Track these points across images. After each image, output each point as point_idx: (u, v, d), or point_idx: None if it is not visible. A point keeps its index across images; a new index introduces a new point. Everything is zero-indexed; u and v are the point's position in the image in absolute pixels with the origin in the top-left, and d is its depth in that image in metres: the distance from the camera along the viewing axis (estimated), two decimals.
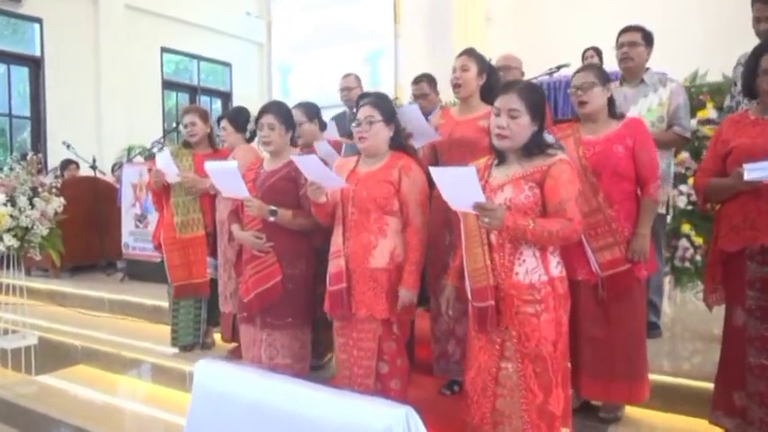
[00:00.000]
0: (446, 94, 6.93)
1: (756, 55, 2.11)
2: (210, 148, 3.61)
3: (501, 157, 2.03)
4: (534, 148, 1.97)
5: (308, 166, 2.33)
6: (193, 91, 10.22)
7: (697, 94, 4.03)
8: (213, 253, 3.39)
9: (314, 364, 3.05)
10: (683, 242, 4.11)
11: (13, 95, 7.91)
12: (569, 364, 2.03)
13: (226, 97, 10.70)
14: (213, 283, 3.49)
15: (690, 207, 4.06)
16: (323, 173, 2.30)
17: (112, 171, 7.11)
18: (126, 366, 3.80)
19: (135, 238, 5.49)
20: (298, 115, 3.00)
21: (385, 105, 2.45)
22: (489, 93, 2.68)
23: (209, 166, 2.69)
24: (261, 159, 2.86)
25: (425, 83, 3.85)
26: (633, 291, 2.35)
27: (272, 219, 2.59)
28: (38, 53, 7.86)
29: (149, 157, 5.80)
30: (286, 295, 2.64)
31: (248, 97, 10.41)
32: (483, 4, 8.48)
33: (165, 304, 4.43)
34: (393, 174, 2.35)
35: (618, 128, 2.37)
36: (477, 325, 1.98)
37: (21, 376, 3.82)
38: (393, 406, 1.72)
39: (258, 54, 11.17)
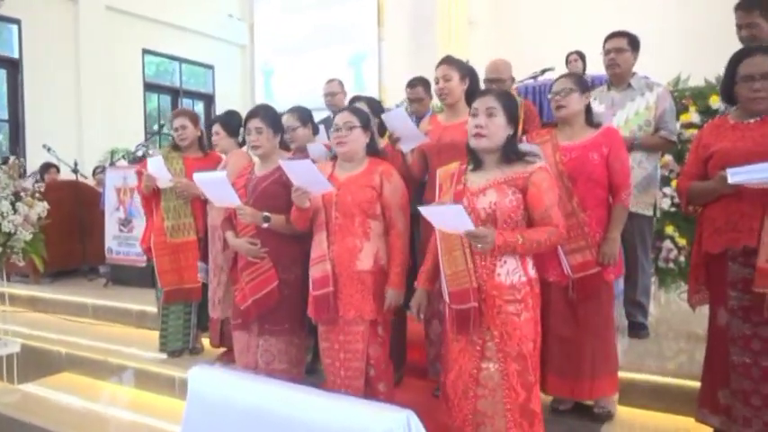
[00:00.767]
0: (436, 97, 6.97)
1: (734, 62, 2.18)
2: (201, 151, 3.58)
3: (477, 162, 2.08)
4: (512, 153, 2.03)
5: (296, 171, 2.34)
6: (175, 93, 10.12)
7: (680, 99, 4.11)
8: (204, 257, 3.35)
9: (312, 367, 3.07)
10: (667, 243, 4.19)
11: None
12: None
13: (208, 99, 10.62)
14: (204, 287, 3.45)
15: (673, 209, 4.14)
16: (313, 177, 2.31)
17: (93, 174, 7.01)
18: (113, 373, 3.75)
19: (119, 242, 5.41)
20: (291, 120, 3.00)
21: (362, 112, 2.51)
22: (472, 96, 2.72)
23: (199, 177, 2.68)
24: (252, 164, 2.85)
25: (421, 87, 3.86)
26: (601, 293, 2.43)
27: (266, 225, 2.58)
28: (16, 55, 7.71)
29: (134, 160, 5.72)
30: (283, 300, 2.64)
31: (231, 100, 10.36)
32: (465, 8, 8.54)
33: (152, 309, 4.40)
34: (375, 179, 2.41)
35: (594, 136, 2.45)
36: (456, 327, 2.01)
37: (3, 385, 3.75)
38: (394, 410, 1.72)
39: (241, 56, 11.11)
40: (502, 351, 1.95)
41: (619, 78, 3.04)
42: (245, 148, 3.40)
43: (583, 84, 2.48)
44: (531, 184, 1.97)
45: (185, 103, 10.20)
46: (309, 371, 3.05)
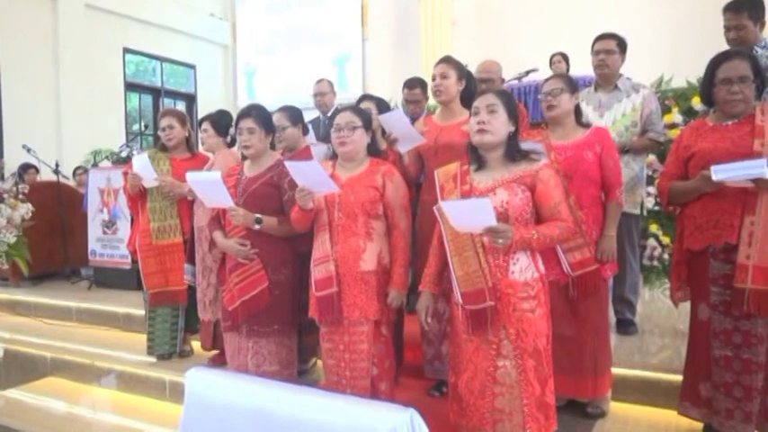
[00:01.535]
0: (429, 97, 7.00)
1: (713, 66, 2.24)
2: (188, 152, 3.55)
3: (480, 162, 2.10)
4: (515, 152, 2.06)
5: (301, 172, 2.32)
6: (156, 93, 10.00)
7: (663, 100, 4.19)
8: (191, 259, 3.32)
9: (299, 369, 3.04)
10: (651, 241, 4.28)
11: None
12: None
13: (190, 99, 10.51)
14: (191, 290, 3.42)
15: (657, 207, 4.22)
16: (318, 178, 2.29)
17: (74, 175, 6.90)
18: (100, 377, 3.69)
19: (102, 244, 5.33)
20: (281, 119, 2.99)
21: (364, 111, 2.52)
22: (469, 99, 2.74)
23: (191, 177, 2.66)
24: (241, 164, 2.83)
25: (420, 89, 3.86)
26: (600, 290, 2.48)
27: (257, 227, 2.57)
28: None
29: (118, 161, 5.63)
30: (272, 302, 2.62)
31: (213, 99, 10.27)
32: (449, 9, 8.59)
33: (138, 312, 4.34)
34: (377, 179, 2.41)
35: (586, 135, 2.50)
36: (471, 327, 2.01)
37: None
38: (397, 409, 1.73)
39: (223, 56, 11.02)
40: (518, 348, 1.97)
41: (606, 79, 3.09)
42: (234, 148, 3.40)
43: (572, 84, 2.53)
44: (539, 182, 2.00)
45: (167, 102, 10.08)
46: (301, 372, 3.04)
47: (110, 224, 5.26)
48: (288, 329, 2.72)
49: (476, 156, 2.10)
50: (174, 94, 10.34)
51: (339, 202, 2.39)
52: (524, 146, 2.12)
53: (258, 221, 2.57)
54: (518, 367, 1.96)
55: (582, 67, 4.00)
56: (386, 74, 8.82)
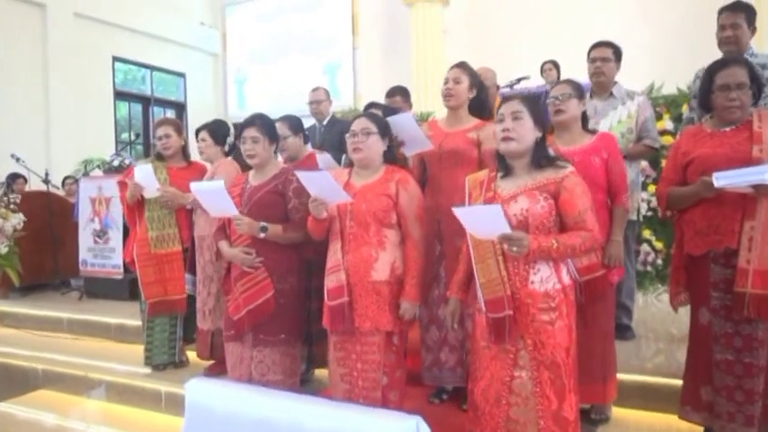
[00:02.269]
0: (421, 104, 7.03)
1: (711, 72, 2.27)
2: (185, 161, 3.53)
3: (507, 169, 2.07)
4: (542, 159, 2.02)
5: (315, 182, 2.31)
6: (146, 101, 9.95)
7: (654, 107, 4.23)
8: (191, 269, 3.30)
9: (302, 378, 3.03)
10: (645, 247, 4.30)
11: None
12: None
13: (180, 108, 10.47)
14: (190, 299, 3.40)
15: (650, 213, 4.26)
16: (330, 188, 2.28)
17: (63, 185, 6.83)
18: (93, 389, 3.64)
19: (94, 254, 5.26)
20: (282, 129, 2.98)
21: (380, 118, 2.49)
22: (478, 107, 2.75)
23: (196, 187, 2.65)
24: (246, 174, 2.82)
25: (399, 96, 3.90)
26: (607, 294, 2.47)
27: (262, 235, 2.55)
28: None
29: (110, 170, 5.58)
30: (278, 311, 2.60)
31: (203, 108, 10.25)
32: (439, 17, 8.66)
33: (131, 323, 4.30)
34: (390, 187, 2.37)
35: (593, 141, 2.50)
36: (492, 336, 1.98)
37: None
38: (403, 417, 1.72)
39: (213, 64, 11.01)
40: (535, 360, 1.93)
41: (602, 87, 3.12)
42: (230, 157, 3.39)
43: (580, 89, 2.53)
44: (563, 189, 1.96)
45: (156, 111, 10.03)
46: (302, 381, 3.02)
47: (101, 234, 5.21)
48: (293, 339, 2.70)
49: (503, 163, 2.07)
50: (164, 103, 10.31)
51: (351, 210, 2.36)
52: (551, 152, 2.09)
53: (263, 230, 2.55)
54: (534, 379, 1.93)
55: (572, 74, 4.03)
56: (377, 82, 8.83)
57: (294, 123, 3.04)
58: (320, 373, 3.21)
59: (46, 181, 5.81)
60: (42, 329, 4.72)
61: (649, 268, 4.32)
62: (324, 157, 2.97)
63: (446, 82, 2.71)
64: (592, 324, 2.42)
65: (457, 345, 2.63)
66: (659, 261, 4.29)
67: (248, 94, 10.81)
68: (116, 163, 5.56)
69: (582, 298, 2.38)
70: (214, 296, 3.17)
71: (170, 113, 10.26)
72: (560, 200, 1.96)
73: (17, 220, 3.66)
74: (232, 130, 3.39)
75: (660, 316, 3.93)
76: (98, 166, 6.33)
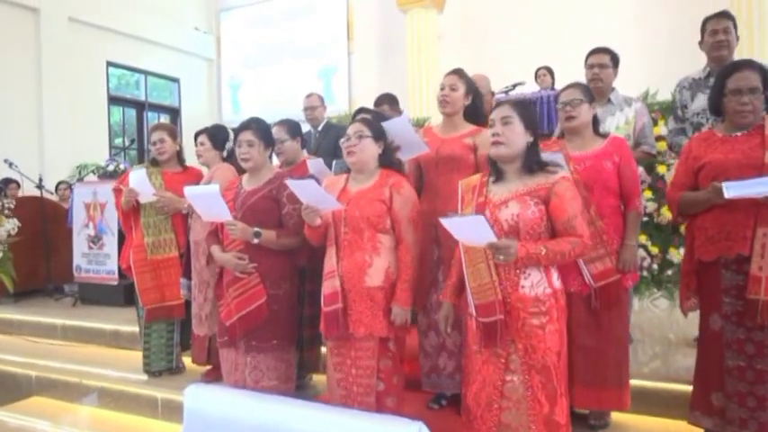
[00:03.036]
0: (416, 110, 7.03)
1: (722, 76, 2.27)
2: (180, 165, 3.52)
3: (499, 174, 2.08)
4: (534, 164, 2.03)
5: (304, 190, 2.31)
6: (140, 106, 9.92)
7: (649, 113, 4.26)
8: (187, 274, 3.28)
9: (296, 383, 3.01)
10: (641, 252, 4.31)
11: None
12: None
13: (174, 113, 10.44)
14: (186, 304, 3.37)
15: (645, 218, 4.27)
16: (320, 196, 2.28)
17: (56, 190, 6.79)
18: (88, 395, 3.60)
19: (88, 260, 5.22)
20: (280, 132, 2.98)
21: (375, 123, 2.49)
22: (473, 114, 2.76)
23: (189, 191, 2.63)
24: (239, 178, 2.81)
25: (386, 105, 3.90)
26: (622, 299, 2.45)
27: (256, 241, 2.54)
28: None
29: (105, 175, 5.55)
30: (270, 317, 2.59)
31: (197, 113, 10.24)
32: (434, 23, 8.69)
33: (126, 329, 4.28)
34: (384, 192, 2.37)
35: (604, 145, 2.49)
36: (483, 340, 1.99)
37: None
38: (405, 422, 1.72)
39: (207, 69, 11.00)
40: (526, 364, 1.94)
41: (600, 93, 3.13)
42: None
43: (589, 93, 2.52)
44: (553, 195, 1.97)
45: (150, 116, 10.00)
46: (298, 386, 3.00)
47: (96, 239, 5.17)
48: (286, 344, 2.68)
49: (495, 167, 2.08)
50: (158, 108, 10.28)
51: (345, 216, 2.36)
52: (544, 157, 2.10)
53: (257, 235, 2.54)
54: (525, 383, 1.94)
55: (569, 81, 4.05)
56: (372, 87, 8.82)
57: (292, 127, 3.04)
58: (318, 378, 3.20)
59: (40, 186, 5.76)
60: (36, 335, 4.69)
61: (645, 273, 4.33)
62: (314, 163, 2.97)
63: (442, 88, 2.71)
64: (607, 330, 2.40)
65: (455, 350, 2.62)
66: (654, 266, 4.30)
67: (243, 99, 10.80)
68: (111, 168, 5.53)
69: (597, 303, 2.38)
70: (210, 301, 3.14)
71: (164, 118, 10.23)
72: (551, 205, 1.97)
73: (11, 225, 3.63)
74: (231, 136, 3.38)
75: (656, 321, 3.95)
76: (93, 171, 6.30)
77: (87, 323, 4.57)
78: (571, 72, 3.72)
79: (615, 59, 3.10)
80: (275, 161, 2.99)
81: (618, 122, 3.05)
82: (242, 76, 10.79)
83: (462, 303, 2.16)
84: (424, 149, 2.65)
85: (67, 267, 5.41)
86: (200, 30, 10.74)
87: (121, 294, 5.00)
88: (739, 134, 2.23)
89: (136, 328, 3.88)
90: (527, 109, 2.08)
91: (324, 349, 2.72)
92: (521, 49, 7.49)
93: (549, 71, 6.22)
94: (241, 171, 2.91)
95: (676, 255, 4.13)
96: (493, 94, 3.81)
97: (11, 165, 5.78)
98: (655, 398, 2.73)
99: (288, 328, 2.68)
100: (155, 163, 3.49)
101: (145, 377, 3.48)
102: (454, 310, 2.21)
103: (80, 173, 6.77)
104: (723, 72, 2.27)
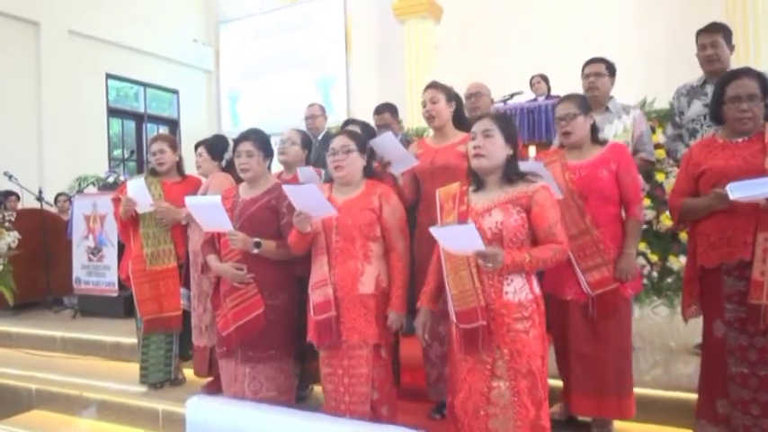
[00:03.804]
0: (414, 120, 7.07)
1: (722, 84, 2.29)
2: (179, 176, 3.53)
3: (479, 183, 2.12)
4: (513, 174, 2.08)
5: (301, 196, 2.33)
6: (139, 118, 9.95)
7: (647, 120, 4.28)
8: (187, 284, 3.28)
9: (297, 395, 2.99)
10: (640, 260, 4.32)
11: None
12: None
13: (173, 124, 10.48)
14: (185, 315, 3.37)
15: (645, 226, 4.28)
16: (317, 202, 2.30)
17: (55, 202, 6.79)
18: (88, 408, 3.59)
19: (88, 272, 5.22)
20: (294, 135, 3.02)
21: (359, 135, 2.53)
22: (459, 120, 2.79)
23: (190, 201, 2.64)
24: (236, 187, 2.82)
25: (388, 113, 3.93)
26: (620, 309, 2.44)
27: (256, 251, 2.55)
28: None
29: (104, 186, 5.56)
30: (268, 327, 2.58)
31: (196, 124, 10.27)
32: (431, 33, 8.76)
33: (127, 340, 4.26)
34: (373, 201, 2.41)
35: (602, 153, 2.49)
36: (465, 347, 2.01)
37: None
38: None
39: (206, 81, 11.05)
40: (512, 369, 1.96)
41: (597, 102, 3.16)
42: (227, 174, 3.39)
43: (584, 104, 2.52)
44: (534, 203, 2.01)
45: (149, 127, 10.03)
46: (299, 398, 3.00)
47: (95, 251, 5.17)
48: (284, 355, 2.68)
49: (475, 177, 2.12)
50: (157, 120, 10.32)
51: (336, 225, 2.39)
52: (524, 167, 2.14)
53: (257, 245, 2.54)
54: (512, 388, 1.96)
55: (564, 89, 4.08)
56: (370, 98, 8.85)
57: (305, 139, 3.10)
58: (319, 389, 3.19)
59: (39, 198, 5.77)
60: (35, 348, 4.66)
61: (645, 281, 4.34)
62: (305, 171, 2.99)
63: (424, 105, 2.75)
64: (604, 339, 2.40)
65: None
66: (654, 273, 4.31)
67: (241, 110, 10.84)
68: (110, 180, 5.54)
69: (594, 312, 2.38)
70: (210, 312, 3.13)
71: (163, 130, 10.27)
72: (532, 213, 2.02)
73: (12, 238, 3.63)
74: (231, 146, 3.40)
75: (657, 329, 3.94)
76: (92, 183, 6.31)
77: (87, 335, 4.55)
78: (569, 81, 3.75)
79: (611, 68, 3.13)
80: (275, 170, 3.01)
81: (616, 130, 3.08)
82: (241, 87, 10.84)
83: (438, 310, 2.20)
84: (413, 162, 2.68)
85: (67, 279, 5.41)
86: (199, 42, 10.80)
87: (121, 306, 4.99)
88: (740, 140, 2.24)
89: (136, 340, 3.87)
90: (507, 122, 2.13)
91: None
92: (518, 59, 7.53)
93: (544, 78, 6.25)
94: (239, 181, 2.92)
95: (676, 262, 4.14)
96: (492, 101, 3.83)
97: (10, 177, 5.79)
98: (657, 406, 2.72)
99: (286, 338, 2.67)
100: (154, 173, 3.50)
101: (145, 389, 3.47)
102: (431, 317, 2.24)
103: (80, 185, 6.78)
104: (722, 80, 2.30)
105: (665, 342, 3.57)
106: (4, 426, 3.59)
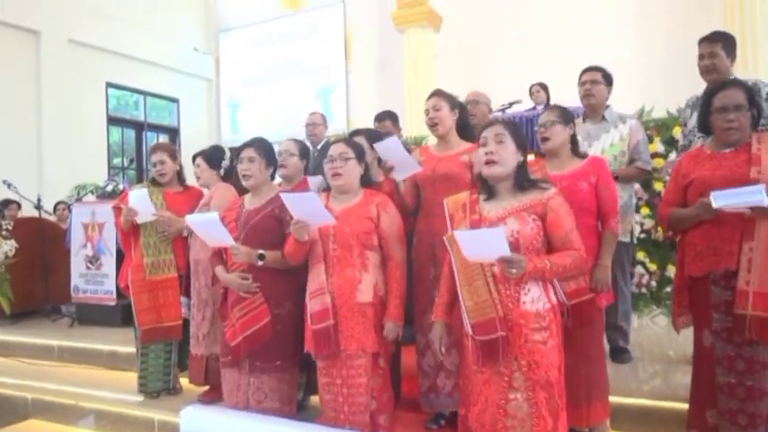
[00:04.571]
0: (413, 128, 7.10)
1: (709, 95, 2.31)
2: (180, 185, 3.54)
3: (490, 192, 2.09)
4: (525, 181, 2.05)
5: (299, 204, 2.32)
6: (139, 126, 9.97)
7: (644, 130, 4.29)
8: (187, 292, 3.27)
9: (299, 404, 2.99)
10: (639, 269, 4.32)
11: None
12: None
13: (173, 133, 10.50)
14: (185, 323, 3.36)
15: (644, 235, 4.29)
16: (316, 210, 2.29)
17: (54, 210, 6.79)
18: (84, 418, 3.57)
19: (86, 280, 5.21)
20: (291, 146, 3.02)
21: (356, 143, 2.53)
22: (462, 129, 2.79)
23: (191, 219, 2.66)
24: (241, 198, 2.82)
25: (388, 120, 3.94)
26: (594, 319, 2.47)
27: (260, 263, 2.54)
28: None
29: (103, 195, 5.56)
30: (274, 337, 2.58)
31: (196, 133, 10.29)
32: (431, 42, 8.80)
33: (124, 349, 4.25)
34: (371, 210, 2.41)
35: (582, 165, 2.52)
36: (482, 359, 1.97)
37: None
38: None
39: (206, 89, 11.08)
40: (530, 380, 1.93)
41: (593, 110, 3.17)
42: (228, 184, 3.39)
43: (566, 115, 2.55)
44: (549, 210, 1.99)
45: (149, 136, 10.05)
46: (299, 407, 2.98)
47: (94, 259, 5.16)
48: (290, 365, 2.67)
49: (485, 185, 2.09)
50: (157, 128, 10.34)
51: (334, 233, 2.38)
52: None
53: (261, 258, 2.53)
54: (530, 400, 1.92)
55: (564, 98, 4.10)
56: (369, 106, 8.88)
57: (303, 148, 3.10)
58: (315, 399, 3.17)
59: (38, 207, 5.77)
60: (32, 357, 4.64)
61: (644, 290, 4.33)
62: (315, 180, 2.99)
63: (427, 113, 2.75)
64: (578, 348, 2.40)
65: (454, 370, 2.60)
66: (653, 283, 4.30)
67: (241, 118, 10.86)
68: (109, 188, 5.54)
69: (569, 322, 2.37)
70: (209, 320, 3.14)
71: (163, 138, 10.28)
72: (547, 220, 1.99)
73: (9, 246, 3.62)
74: (228, 154, 3.41)
75: (656, 338, 3.93)
76: (91, 192, 6.31)
77: (84, 344, 4.54)
78: (568, 89, 3.76)
79: (607, 77, 3.15)
80: (277, 179, 3.01)
81: (612, 139, 3.09)
82: (241, 95, 10.87)
83: (458, 323, 2.15)
84: (417, 169, 2.67)
85: (65, 288, 5.39)
86: (200, 50, 10.84)
87: (119, 314, 4.98)
88: (727, 151, 2.26)
89: (133, 349, 3.85)
90: (517, 129, 2.11)
91: None
92: (517, 68, 7.56)
93: (544, 87, 6.26)
94: (241, 191, 2.92)
95: (674, 271, 4.12)
96: (491, 110, 3.84)
97: (9, 186, 5.79)
98: (656, 416, 2.71)
99: (291, 348, 2.66)
100: (155, 183, 3.50)
101: (141, 398, 3.45)
102: (447, 330, 2.20)
103: (78, 193, 6.78)
104: (710, 91, 2.33)
105: (665, 352, 3.56)
106: None
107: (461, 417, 2.11)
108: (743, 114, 2.21)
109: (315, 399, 3.19)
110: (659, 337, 3.94)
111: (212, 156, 3.36)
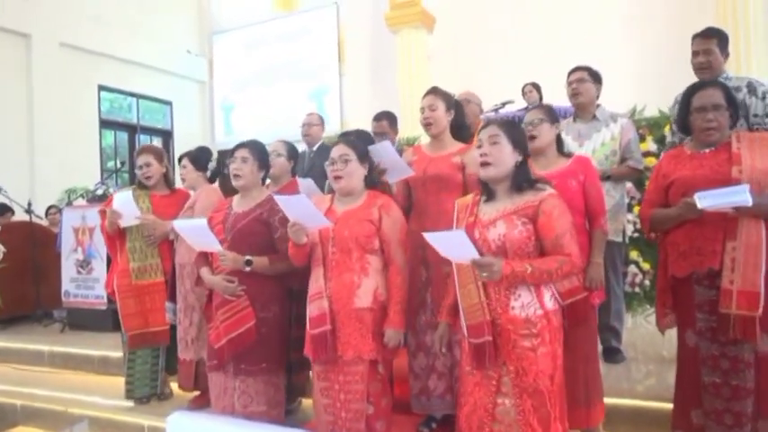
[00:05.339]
0: (407, 129, 7.09)
1: (688, 95, 2.30)
2: (167, 188, 3.50)
3: (489, 193, 2.06)
4: (523, 182, 2.01)
5: (293, 207, 2.28)
6: (132, 129, 9.92)
7: (637, 129, 4.28)
8: (172, 297, 3.24)
9: (285, 408, 2.95)
10: (632, 268, 4.30)
11: None
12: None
13: (166, 135, 10.45)
14: (172, 329, 3.32)
15: (636, 234, 4.27)
16: (310, 212, 2.26)
17: (46, 214, 6.74)
18: (74, 424, 3.53)
19: (77, 285, 5.17)
20: (279, 147, 2.99)
21: (358, 144, 2.47)
22: (458, 129, 2.76)
23: (179, 225, 2.65)
24: (230, 199, 2.79)
25: (385, 121, 3.92)
26: (589, 317, 2.45)
27: (248, 269, 2.52)
28: None
29: (93, 198, 5.52)
30: (259, 340, 2.55)
31: (190, 135, 10.24)
32: (424, 43, 8.79)
33: (115, 354, 4.21)
34: (373, 212, 2.35)
35: (569, 164, 2.51)
36: (474, 361, 1.95)
37: None
38: None
39: (200, 92, 11.04)
40: (517, 386, 1.90)
41: (583, 108, 3.16)
42: (216, 184, 3.36)
43: (552, 114, 2.54)
44: (540, 213, 1.94)
45: (143, 138, 10.01)
46: (287, 412, 2.95)
47: (84, 264, 5.12)
48: (276, 368, 2.65)
49: (485, 187, 2.07)
50: (150, 131, 10.29)
51: (333, 236, 2.33)
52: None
53: (248, 264, 2.51)
54: (517, 407, 1.90)
55: (557, 98, 4.09)
56: (363, 107, 8.88)
57: (291, 150, 3.08)
58: (307, 403, 3.15)
59: (29, 211, 5.72)
60: (22, 363, 4.60)
61: (637, 289, 4.32)
62: (306, 183, 2.96)
63: (422, 111, 2.72)
64: (574, 348, 2.37)
65: (445, 372, 2.58)
66: (647, 282, 4.28)
67: (235, 121, 10.84)
68: (100, 192, 5.50)
69: (564, 322, 2.37)
70: (196, 325, 3.11)
71: (156, 141, 10.24)
72: (538, 223, 1.95)
73: None
74: (215, 156, 3.38)
75: (649, 337, 3.91)
76: (82, 195, 6.27)
77: (74, 349, 4.49)
78: (560, 90, 3.74)
79: (595, 76, 3.15)
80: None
81: (604, 138, 3.08)
82: (234, 98, 10.84)
83: (456, 324, 2.14)
84: (408, 173, 2.65)
85: (56, 292, 5.34)
86: (193, 53, 10.80)
87: (110, 319, 4.93)
88: (707, 151, 2.25)
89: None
90: (515, 128, 2.07)
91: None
92: (510, 68, 7.54)
93: (536, 87, 6.25)
94: (227, 193, 2.89)
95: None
96: (482, 110, 3.83)
97: (0, 190, 5.75)
98: (649, 416, 2.69)
99: (277, 351, 2.64)
100: (142, 186, 3.45)
101: (131, 404, 3.41)
102: (450, 330, 2.18)
103: (69, 197, 6.73)
104: (688, 91, 2.31)
105: (658, 351, 3.54)
106: None
107: (456, 417, 2.10)
108: (721, 114, 2.20)
109: (306, 403, 3.17)
110: (653, 337, 3.92)
111: (198, 157, 3.32)
